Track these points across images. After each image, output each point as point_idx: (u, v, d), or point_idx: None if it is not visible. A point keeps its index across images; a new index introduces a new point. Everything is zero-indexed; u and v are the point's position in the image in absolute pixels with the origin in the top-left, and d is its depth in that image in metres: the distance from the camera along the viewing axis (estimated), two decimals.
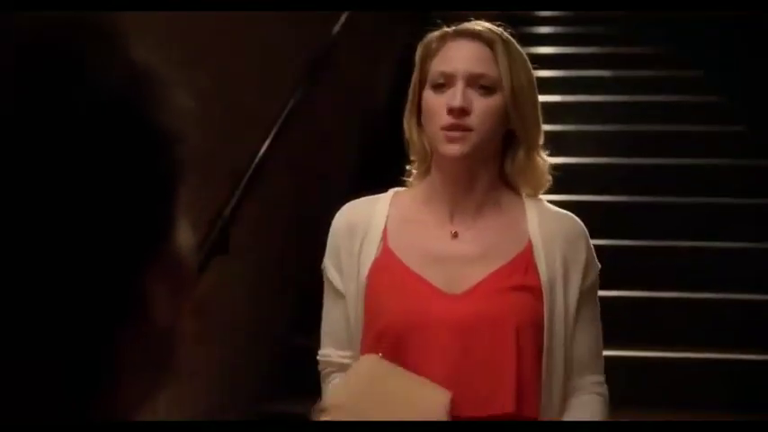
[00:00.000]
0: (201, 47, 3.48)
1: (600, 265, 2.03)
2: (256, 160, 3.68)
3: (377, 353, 1.93)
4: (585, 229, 2.04)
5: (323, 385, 2.08)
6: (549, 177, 2.05)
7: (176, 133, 0.64)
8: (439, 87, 1.97)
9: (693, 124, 5.68)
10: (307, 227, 4.76)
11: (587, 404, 1.99)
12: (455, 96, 1.94)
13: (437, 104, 1.96)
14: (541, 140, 2.03)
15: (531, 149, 2.01)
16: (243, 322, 3.98)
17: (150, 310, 0.61)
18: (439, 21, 2.07)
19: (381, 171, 5.18)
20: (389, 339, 1.93)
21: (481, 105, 1.94)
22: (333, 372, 2.05)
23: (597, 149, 5.39)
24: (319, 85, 4.57)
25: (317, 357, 2.08)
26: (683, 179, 5.15)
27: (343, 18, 5.00)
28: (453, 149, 1.93)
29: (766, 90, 5.44)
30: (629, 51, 6.66)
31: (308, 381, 4.09)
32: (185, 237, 0.65)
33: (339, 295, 2.02)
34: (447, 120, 1.94)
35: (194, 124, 0.67)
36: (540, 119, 2.03)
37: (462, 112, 1.93)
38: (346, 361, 2.02)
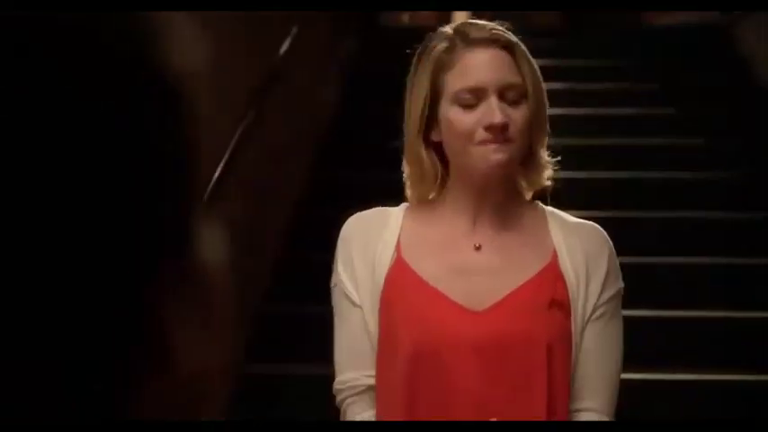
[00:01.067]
0: None
1: (623, 284, 1.90)
2: (211, 184, 3.52)
3: (398, 376, 1.79)
4: (609, 240, 1.91)
5: (346, 417, 1.89)
6: (551, 172, 1.92)
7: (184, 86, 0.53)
8: (467, 105, 1.83)
9: (651, 137, 5.62)
10: (260, 249, 4.62)
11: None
12: (494, 113, 1.80)
13: (468, 123, 1.82)
14: (546, 140, 1.91)
15: (538, 151, 1.89)
16: (195, 350, 3.80)
17: (169, 343, 0.51)
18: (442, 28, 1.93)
19: (330, 185, 5.20)
20: (407, 362, 1.78)
21: (516, 116, 1.82)
22: (356, 400, 1.87)
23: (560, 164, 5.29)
24: (270, 103, 4.44)
25: (335, 387, 1.90)
26: (645, 194, 5.08)
27: (294, 30, 4.89)
28: (499, 158, 1.80)
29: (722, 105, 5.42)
30: (582, 64, 6.59)
31: (270, 410, 3.96)
32: (211, 250, 0.54)
33: (357, 308, 1.86)
34: (485, 136, 1.80)
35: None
36: (547, 123, 1.91)
37: (503, 128, 1.80)
38: (373, 381, 1.85)
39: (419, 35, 1.97)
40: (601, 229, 1.93)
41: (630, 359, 3.92)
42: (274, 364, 4.16)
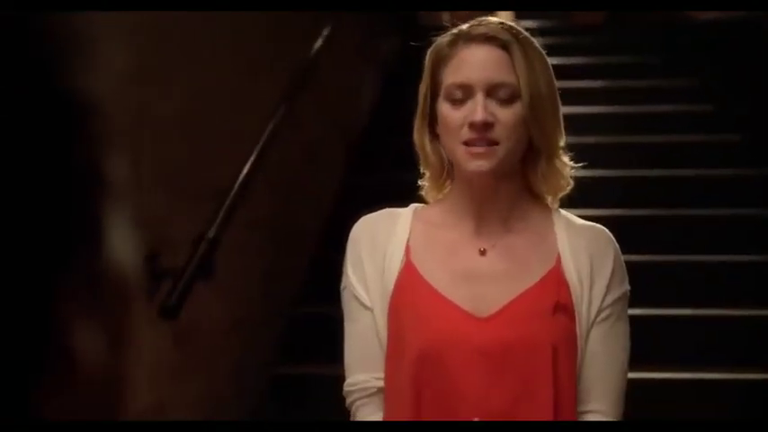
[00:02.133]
0: (177, 61, 3.32)
1: (629, 286, 1.88)
2: (240, 179, 3.50)
3: (404, 380, 1.78)
4: (615, 243, 1.89)
5: (356, 419, 1.89)
6: (570, 181, 1.90)
7: (88, 103, 0.53)
8: (456, 100, 1.82)
9: (687, 134, 5.54)
10: (293, 246, 4.62)
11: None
12: (476, 110, 1.78)
13: (456, 119, 1.81)
14: (562, 143, 1.88)
15: (552, 155, 1.86)
16: (227, 350, 3.80)
17: (70, 347, 0.50)
18: (446, 23, 1.91)
19: (364, 186, 5.19)
20: (414, 366, 1.77)
21: (505, 116, 1.79)
22: (366, 402, 1.86)
23: (592, 162, 5.23)
24: (303, 100, 4.43)
25: (345, 389, 1.90)
26: (679, 191, 5.01)
27: (325, 32, 4.87)
28: (479, 165, 1.79)
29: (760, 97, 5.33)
30: (618, 61, 6.53)
31: (300, 410, 3.96)
32: (118, 250, 0.53)
33: (367, 310, 1.86)
34: (469, 134, 1.79)
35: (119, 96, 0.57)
36: (561, 122, 1.88)
37: (485, 126, 1.78)
38: (383, 383, 1.85)
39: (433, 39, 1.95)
40: (607, 231, 1.90)
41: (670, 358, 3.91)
42: (306, 365, 4.15)
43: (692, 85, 6.05)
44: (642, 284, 4.09)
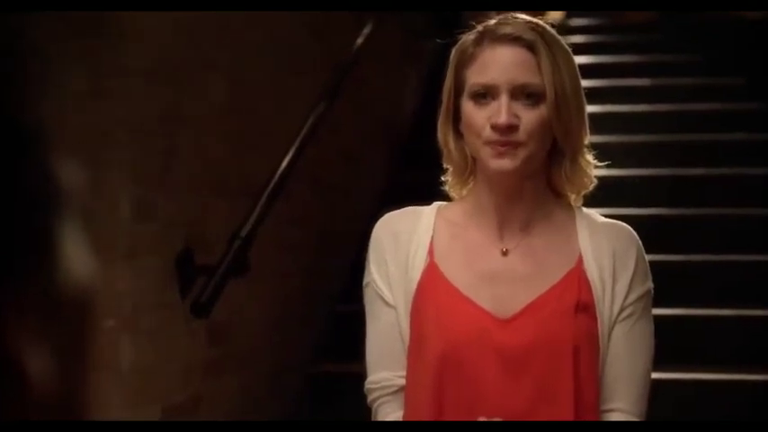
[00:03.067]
0: (215, 55, 3.32)
1: (653, 284, 1.85)
2: (276, 176, 3.48)
3: (425, 381, 1.76)
4: (638, 240, 1.87)
5: (377, 417, 1.87)
6: (594, 179, 1.88)
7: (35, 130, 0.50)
8: (480, 100, 1.79)
9: (736, 132, 5.46)
10: (334, 245, 4.60)
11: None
12: (500, 112, 1.76)
13: (479, 118, 1.78)
14: (587, 141, 1.86)
15: (576, 154, 1.84)
16: (265, 349, 3.79)
17: (21, 373, 0.47)
18: (473, 23, 1.88)
19: (408, 186, 5.16)
20: (435, 366, 1.76)
21: (529, 118, 1.77)
22: (388, 400, 1.85)
23: (640, 160, 5.17)
24: (343, 97, 4.41)
25: (367, 386, 1.88)
26: (729, 189, 4.94)
27: (367, 30, 4.84)
28: (501, 165, 1.77)
29: None
30: (666, 59, 6.45)
31: (340, 409, 3.94)
32: (77, 264, 0.51)
33: (390, 308, 1.84)
34: (492, 136, 1.76)
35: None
36: (586, 122, 1.85)
37: (509, 129, 1.75)
38: (404, 382, 1.84)
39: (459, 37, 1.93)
40: (630, 228, 1.88)
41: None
42: (345, 364, 4.12)
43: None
44: (685, 284, 4.06)
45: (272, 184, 3.37)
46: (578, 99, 1.83)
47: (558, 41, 1.82)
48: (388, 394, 1.85)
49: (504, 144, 1.76)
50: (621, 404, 1.81)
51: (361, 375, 4.04)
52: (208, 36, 3.26)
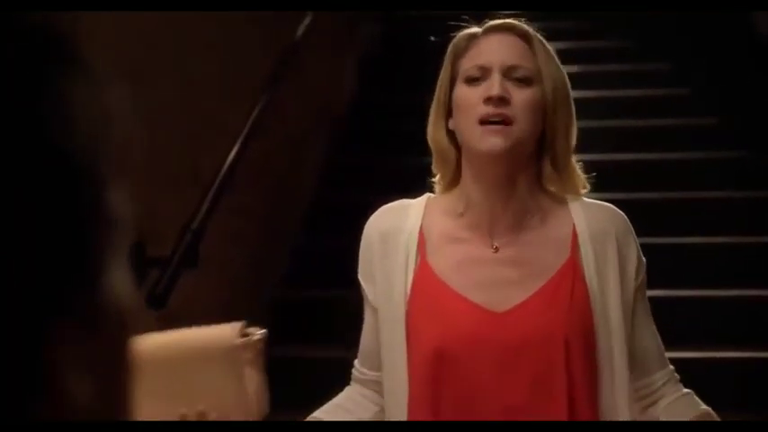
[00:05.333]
0: (161, 51, 3.36)
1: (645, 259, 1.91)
2: (224, 168, 3.55)
3: (422, 379, 1.82)
4: (627, 219, 1.92)
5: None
6: (587, 184, 1.91)
7: (93, 161, 0.51)
8: (473, 81, 1.83)
9: (666, 118, 5.59)
10: (278, 234, 4.67)
11: (687, 402, 1.91)
12: (492, 86, 1.80)
13: (473, 97, 1.82)
14: (574, 142, 1.89)
15: (568, 151, 1.88)
16: None
17: (65, 379, 0.48)
18: (465, 17, 1.94)
19: (350, 174, 5.23)
20: (431, 364, 1.80)
21: (521, 96, 1.81)
22: (354, 383, 1.99)
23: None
24: (285, 88, 4.47)
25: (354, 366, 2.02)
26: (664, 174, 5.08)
27: (307, 19, 4.90)
28: (494, 143, 1.78)
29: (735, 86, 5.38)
30: (597, 45, 6.54)
31: (289, 399, 4.01)
32: (121, 277, 0.53)
33: (372, 310, 1.91)
34: (485, 110, 1.79)
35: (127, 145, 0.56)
36: (575, 127, 1.89)
37: (501, 101, 1.79)
38: (371, 377, 1.95)
39: (441, 23, 1.99)
40: (617, 209, 1.92)
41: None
42: (290, 347, 4.20)
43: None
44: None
45: (220, 177, 3.44)
46: (569, 94, 1.87)
47: (548, 46, 1.88)
48: (358, 380, 1.98)
49: (496, 121, 1.78)
50: (665, 371, 1.90)
51: (311, 359, 4.08)
52: (157, 31, 3.30)
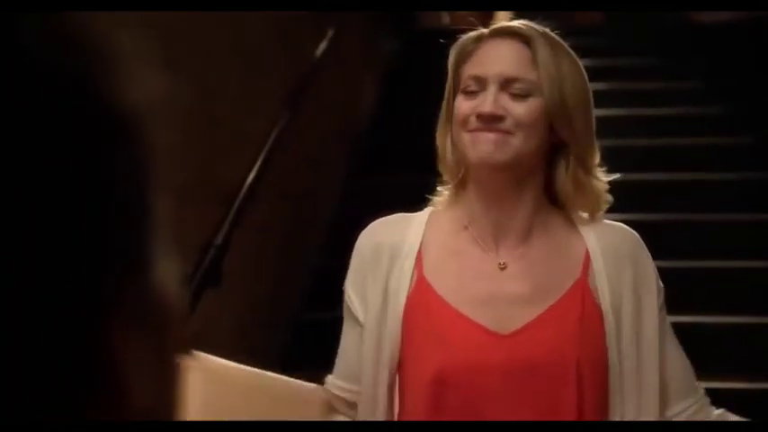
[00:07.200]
0: (180, 61, 3.27)
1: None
2: (247, 184, 3.44)
3: (421, 405, 1.69)
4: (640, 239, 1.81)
5: None
6: (609, 197, 1.80)
7: (138, 121, 0.48)
8: (470, 92, 1.75)
9: (697, 136, 5.48)
10: (297, 253, 4.57)
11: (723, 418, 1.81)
12: (485, 101, 1.71)
13: (466, 109, 1.74)
14: (597, 154, 1.78)
15: (586, 164, 1.76)
16: (235, 358, 3.74)
17: (121, 378, 0.46)
18: (471, 18, 1.85)
19: (370, 190, 5.14)
20: (431, 388, 1.68)
21: (516, 110, 1.71)
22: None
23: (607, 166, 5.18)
24: (305, 105, 4.38)
25: (326, 380, 1.85)
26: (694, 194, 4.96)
27: (329, 34, 4.83)
28: (484, 150, 1.70)
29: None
30: (623, 63, 6.45)
31: None
32: (168, 271, 0.50)
33: (357, 324, 1.78)
34: (475, 125, 1.72)
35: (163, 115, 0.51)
36: (594, 130, 1.77)
37: (492, 118, 1.70)
38: (344, 394, 1.80)
39: (459, 37, 1.89)
40: (630, 229, 1.81)
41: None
42: (311, 371, 4.09)
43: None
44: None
45: (242, 193, 3.32)
46: (584, 100, 1.76)
47: (561, 44, 1.77)
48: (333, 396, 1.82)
49: (489, 130, 1.71)
50: (698, 395, 1.80)
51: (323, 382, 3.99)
52: (177, 38, 3.21)
